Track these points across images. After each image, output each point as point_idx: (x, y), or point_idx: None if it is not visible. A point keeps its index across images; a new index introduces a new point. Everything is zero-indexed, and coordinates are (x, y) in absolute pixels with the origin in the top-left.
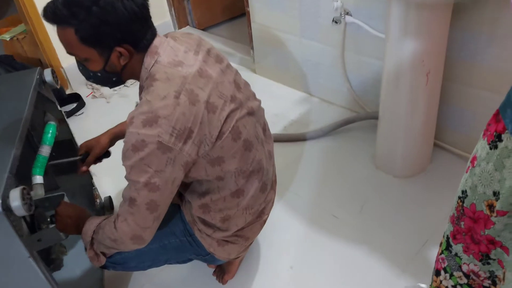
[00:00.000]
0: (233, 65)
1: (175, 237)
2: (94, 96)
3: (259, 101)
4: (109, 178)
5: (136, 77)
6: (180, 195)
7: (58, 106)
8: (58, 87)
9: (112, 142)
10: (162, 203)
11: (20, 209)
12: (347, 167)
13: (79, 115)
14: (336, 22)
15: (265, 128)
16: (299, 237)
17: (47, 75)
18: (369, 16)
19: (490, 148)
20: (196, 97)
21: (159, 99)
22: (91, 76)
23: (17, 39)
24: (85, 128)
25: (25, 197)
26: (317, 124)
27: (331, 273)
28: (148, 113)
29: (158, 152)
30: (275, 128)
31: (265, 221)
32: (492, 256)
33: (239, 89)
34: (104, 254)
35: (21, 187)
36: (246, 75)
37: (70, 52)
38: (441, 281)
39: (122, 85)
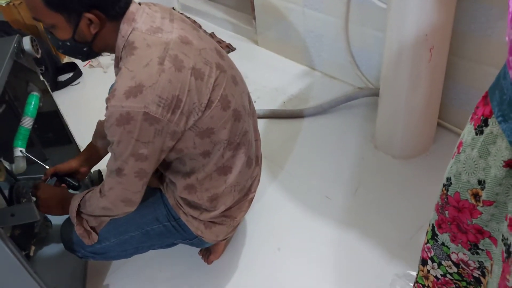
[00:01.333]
0: (235, 35)
1: (158, 223)
2: (91, 66)
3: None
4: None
5: (111, 48)
6: (160, 178)
7: (41, 76)
8: (38, 56)
9: (83, 167)
10: (150, 170)
11: None
12: (345, 146)
13: (75, 85)
14: None
15: (249, 100)
16: (288, 218)
17: (26, 43)
18: None
19: (476, 134)
20: (181, 63)
21: (141, 67)
22: (59, 45)
23: (14, 4)
24: (81, 98)
25: None
26: (317, 99)
27: (319, 256)
28: (131, 82)
29: (145, 124)
30: (273, 103)
31: (252, 199)
32: (480, 246)
33: (222, 57)
34: (94, 230)
35: None
36: (247, 46)
37: (35, 17)
38: (428, 271)
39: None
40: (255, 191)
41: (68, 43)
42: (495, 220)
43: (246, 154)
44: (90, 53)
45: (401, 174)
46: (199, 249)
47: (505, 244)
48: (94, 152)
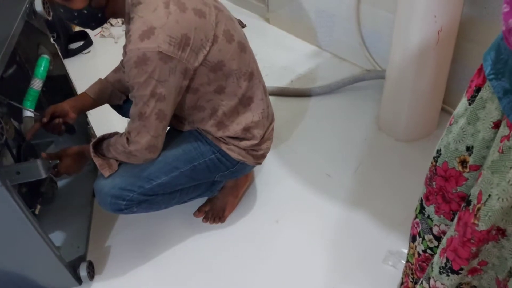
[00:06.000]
0: (246, 12)
1: (203, 157)
2: (103, 36)
3: None
4: (104, 117)
5: (121, 9)
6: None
7: (52, 39)
8: (50, 18)
9: (72, 113)
10: (168, 112)
11: None
12: (349, 126)
13: (86, 53)
14: None
15: (246, 39)
16: (288, 193)
17: (38, 5)
18: None
19: (469, 104)
20: (183, 5)
21: (150, 12)
22: (75, 16)
23: None
24: (91, 66)
25: None
26: (325, 80)
27: (315, 230)
28: (143, 26)
29: (160, 62)
30: (281, 81)
31: (273, 128)
32: None
33: (216, 1)
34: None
35: None
36: (258, 24)
37: None
38: (416, 247)
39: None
40: (274, 120)
41: (85, 11)
42: None
43: (261, 81)
44: (102, 19)
45: (402, 156)
46: (202, 217)
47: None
48: (86, 102)
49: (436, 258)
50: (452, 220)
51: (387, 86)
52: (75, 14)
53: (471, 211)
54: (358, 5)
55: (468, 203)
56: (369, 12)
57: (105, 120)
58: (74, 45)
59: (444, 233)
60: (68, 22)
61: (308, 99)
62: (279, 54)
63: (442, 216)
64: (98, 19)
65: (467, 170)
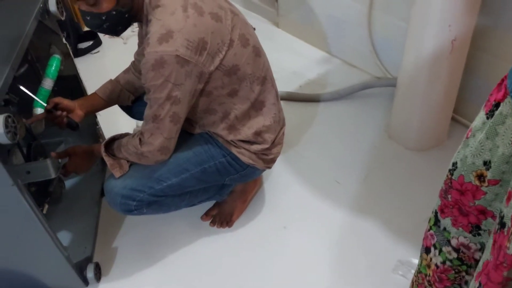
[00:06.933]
0: (256, 16)
1: (214, 159)
2: (111, 36)
3: None
4: (112, 118)
5: (139, 14)
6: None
7: (64, 39)
8: (63, 18)
9: (80, 110)
10: (182, 115)
11: (3, 136)
12: (359, 133)
13: (94, 53)
14: None
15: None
16: (297, 198)
17: (52, 4)
18: None
19: (487, 118)
20: (200, 9)
21: (168, 15)
22: (103, 20)
23: None
24: (99, 67)
25: (9, 125)
26: (334, 86)
27: (323, 237)
28: (162, 30)
29: (177, 66)
30: (290, 86)
31: (284, 133)
32: (482, 227)
33: (231, 5)
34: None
35: (6, 114)
36: (268, 28)
37: None
38: (431, 259)
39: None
40: (285, 125)
41: (114, 12)
42: (499, 199)
43: (274, 86)
44: (128, 21)
45: (412, 165)
46: (209, 221)
47: (499, 216)
48: (95, 102)
49: (472, 282)
50: (470, 232)
51: (398, 94)
52: (104, 18)
53: (505, 233)
54: (369, 12)
55: (503, 225)
56: (381, 19)
57: (113, 121)
58: (83, 45)
59: (463, 245)
60: (96, 30)
61: (316, 104)
62: (288, 59)
63: (460, 228)
64: (125, 20)
65: (486, 184)
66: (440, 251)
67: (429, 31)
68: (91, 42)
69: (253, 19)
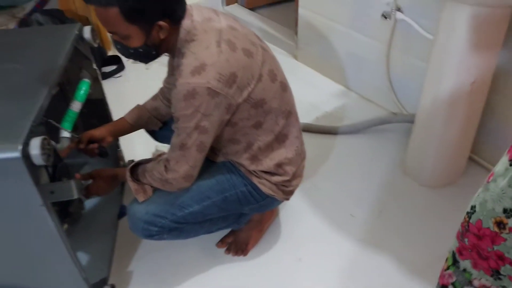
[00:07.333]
0: (275, 48)
1: (235, 188)
2: (135, 61)
3: None
4: (131, 139)
5: (170, 48)
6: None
7: (94, 65)
8: (96, 45)
9: (110, 137)
10: (208, 144)
11: (38, 158)
12: (374, 167)
13: (117, 77)
14: (385, 17)
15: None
16: (312, 231)
17: (86, 32)
18: (421, 15)
19: (510, 165)
20: (234, 45)
21: (203, 49)
22: (131, 53)
23: None
24: (121, 90)
25: (45, 147)
26: (351, 119)
27: (338, 270)
28: (195, 62)
29: (208, 97)
30: (307, 117)
31: (304, 166)
32: (502, 272)
33: (262, 41)
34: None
35: (43, 137)
36: (286, 60)
37: (111, 31)
38: None
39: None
40: (305, 157)
41: (141, 50)
42: None
43: (297, 120)
44: (155, 56)
45: (427, 202)
46: (224, 248)
47: None
48: (123, 127)
49: None
50: (492, 276)
51: (415, 131)
52: (131, 51)
53: None
54: (388, 50)
55: None
56: (399, 58)
57: (132, 143)
58: (107, 69)
59: (486, 286)
60: (124, 57)
61: (333, 137)
62: (305, 91)
63: (481, 271)
64: (151, 56)
65: (506, 231)
66: None
67: (448, 73)
68: (115, 67)
69: (272, 51)
